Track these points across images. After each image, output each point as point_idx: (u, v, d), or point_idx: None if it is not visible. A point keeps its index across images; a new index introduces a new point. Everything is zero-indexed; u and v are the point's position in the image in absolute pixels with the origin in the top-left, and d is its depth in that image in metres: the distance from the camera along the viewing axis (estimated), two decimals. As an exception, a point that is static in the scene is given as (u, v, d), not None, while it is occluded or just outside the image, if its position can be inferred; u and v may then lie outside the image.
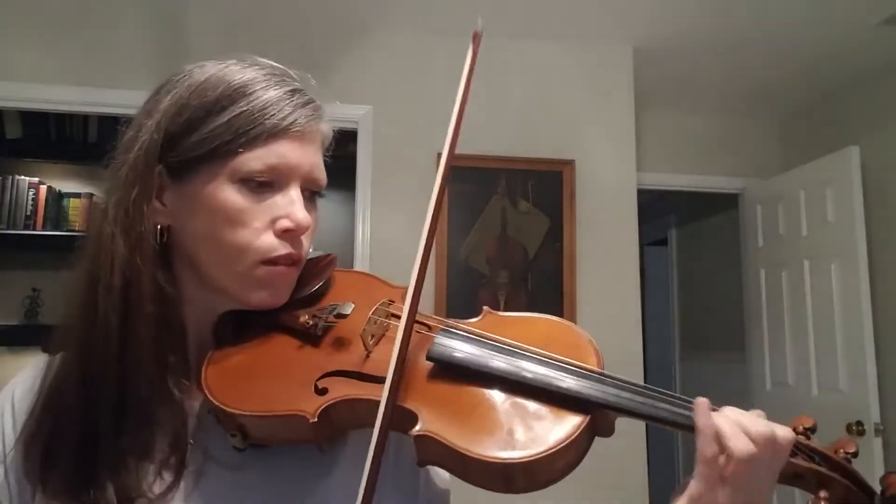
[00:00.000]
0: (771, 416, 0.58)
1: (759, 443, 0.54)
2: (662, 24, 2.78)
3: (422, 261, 0.61)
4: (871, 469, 2.71)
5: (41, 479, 0.60)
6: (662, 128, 3.65)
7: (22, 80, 2.58)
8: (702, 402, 0.56)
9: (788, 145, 3.73)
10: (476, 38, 0.68)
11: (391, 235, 2.69)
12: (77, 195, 3.54)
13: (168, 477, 0.60)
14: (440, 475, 0.73)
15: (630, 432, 2.68)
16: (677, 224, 4.83)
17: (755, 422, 0.55)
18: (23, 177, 3.47)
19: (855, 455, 0.58)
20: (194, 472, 0.62)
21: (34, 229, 3.45)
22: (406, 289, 0.63)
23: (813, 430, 0.59)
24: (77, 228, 3.48)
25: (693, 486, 0.55)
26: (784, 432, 0.56)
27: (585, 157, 2.88)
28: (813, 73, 3.20)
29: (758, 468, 0.54)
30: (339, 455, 0.67)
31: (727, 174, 3.73)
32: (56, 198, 3.52)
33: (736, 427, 0.54)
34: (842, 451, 0.58)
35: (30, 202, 3.46)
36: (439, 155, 3.18)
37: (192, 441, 0.63)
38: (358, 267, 2.64)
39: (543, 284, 2.76)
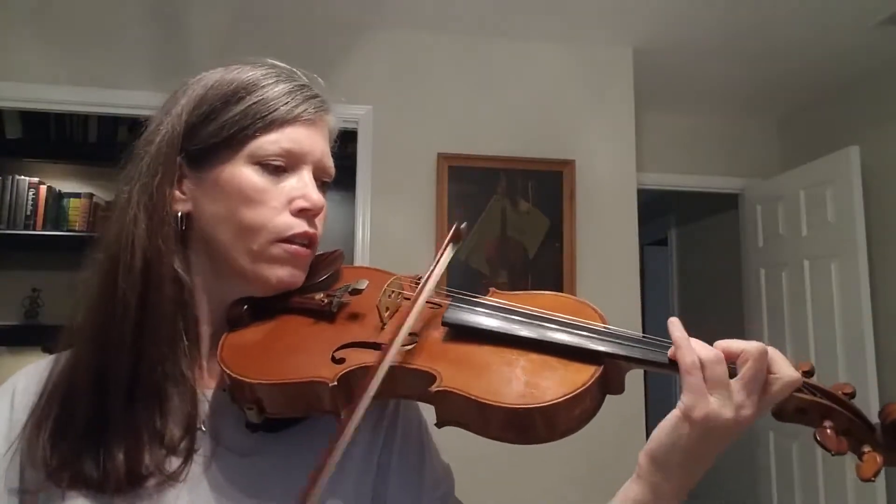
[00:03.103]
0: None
1: (739, 352, 0.58)
2: (662, 24, 2.78)
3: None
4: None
5: (46, 458, 0.60)
6: (662, 128, 3.65)
7: (22, 80, 2.58)
8: (674, 320, 0.61)
9: (788, 145, 3.73)
10: (457, 233, 0.72)
11: (391, 235, 2.69)
12: (77, 195, 3.54)
13: (177, 461, 0.62)
14: (443, 462, 0.75)
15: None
16: (677, 224, 4.84)
17: (741, 342, 0.59)
18: (23, 177, 3.47)
19: (853, 396, 0.61)
20: (205, 457, 0.64)
21: (34, 229, 3.45)
22: (414, 277, 0.68)
23: (811, 373, 0.62)
24: (77, 228, 3.49)
25: (684, 398, 0.58)
26: (757, 346, 0.59)
27: (585, 157, 2.88)
28: (813, 73, 3.20)
29: (750, 378, 0.57)
30: (351, 446, 0.67)
31: (727, 174, 3.73)
32: (56, 198, 3.52)
33: (707, 346, 0.59)
34: (840, 391, 0.61)
35: (30, 202, 3.46)
36: (439, 155, 3.16)
37: (203, 427, 0.65)
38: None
39: (543, 284, 2.76)
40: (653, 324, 4.86)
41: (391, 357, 0.57)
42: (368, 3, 2.64)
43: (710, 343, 0.61)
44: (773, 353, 0.60)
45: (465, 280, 2.70)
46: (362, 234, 2.72)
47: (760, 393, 0.58)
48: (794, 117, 3.68)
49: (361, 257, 2.69)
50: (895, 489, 2.76)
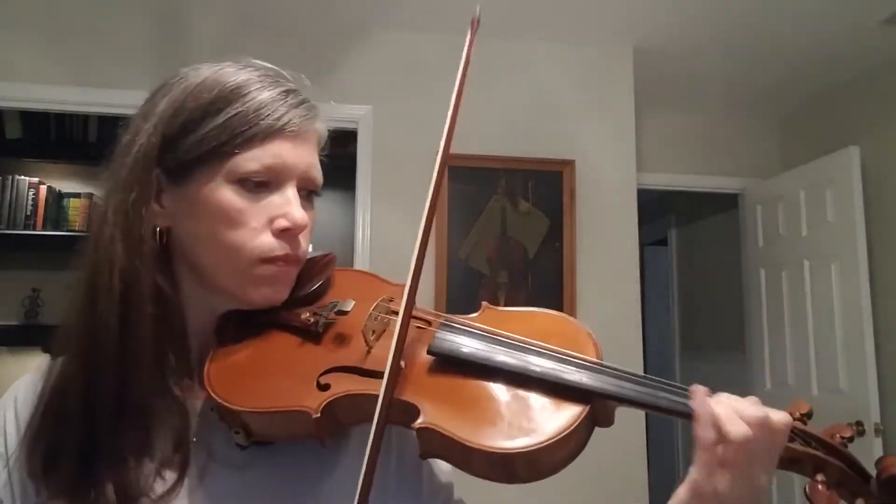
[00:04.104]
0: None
1: (754, 426, 0.54)
2: (662, 24, 2.78)
3: (418, 255, 0.62)
4: (871, 470, 2.71)
5: (44, 480, 0.60)
6: (662, 128, 3.65)
7: (22, 80, 2.58)
8: (699, 389, 0.57)
9: (788, 145, 3.73)
10: (474, 25, 0.68)
11: (391, 235, 2.69)
12: (77, 195, 3.55)
13: (171, 476, 0.61)
14: (442, 469, 0.74)
15: (630, 430, 2.69)
16: (677, 224, 4.83)
17: (750, 406, 0.56)
18: (23, 177, 3.48)
19: (850, 440, 0.58)
20: (198, 470, 0.63)
21: (34, 229, 3.45)
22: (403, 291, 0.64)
23: (809, 415, 0.60)
24: (77, 228, 3.49)
25: (694, 473, 0.56)
26: (780, 416, 0.56)
27: (585, 157, 2.88)
28: (813, 73, 3.20)
29: (755, 451, 0.54)
30: (343, 451, 0.67)
31: (727, 174, 3.73)
32: (56, 198, 3.52)
33: (731, 411, 0.55)
34: (838, 435, 0.58)
35: (30, 202, 3.46)
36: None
37: (195, 440, 0.64)
38: (358, 267, 2.64)
39: (543, 284, 2.76)
40: (653, 324, 4.87)
41: (386, 399, 0.56)
42: (368, 4, 2.64)
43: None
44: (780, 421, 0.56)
45: (465, 280, 2.70)
46: (362, 233, 2.72)
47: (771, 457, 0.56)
48: (794, 117, 3.68)
49: (361, 257, 2.69)
50: (895, 489, 2.76)
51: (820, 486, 0.56)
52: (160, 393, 0.62)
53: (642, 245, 4.29)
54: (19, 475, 0.63)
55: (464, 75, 0.65)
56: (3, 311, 3.51)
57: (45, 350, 0.68)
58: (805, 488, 0.57)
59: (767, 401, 0.61)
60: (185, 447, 0.62)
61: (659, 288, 5.01)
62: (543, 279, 2.77)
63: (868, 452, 2.73)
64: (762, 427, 0.54)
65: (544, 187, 2.82)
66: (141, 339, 0.61)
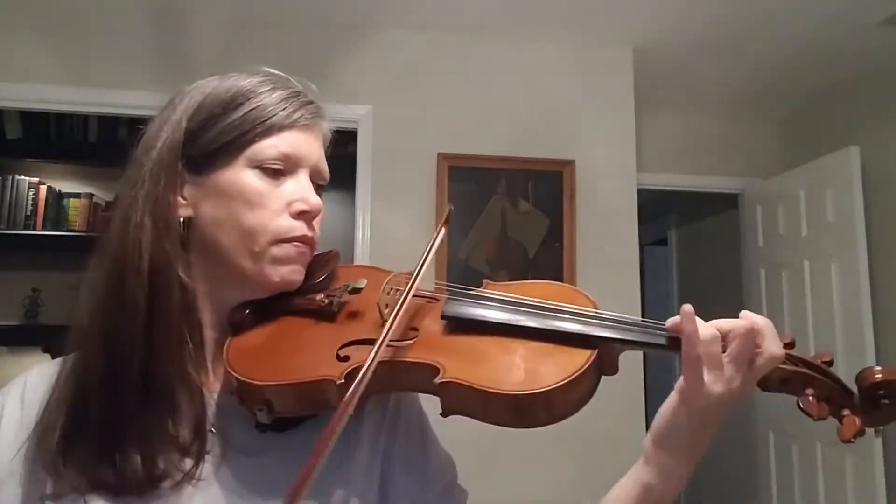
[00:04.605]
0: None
1: (733, 333, 0.61)
2: (662, 24, 2.79)
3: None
4: (871, 470, 2.71)
5: (59, 464, 0.61)
6: (662, 128, 3.65)
7: (22, 80, 2.58)
8: (688, 309, 0.61)
9: (788, 145, 3.73)
10: (447, 219, 0.77)
11: (391, 235, 2.69)
12: (77, 195, 3.55)
13: (189, 463, 0.62)
14: (446, 452, 0.77)
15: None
16: (677, 224, 4.83)
17: (727, 320, 0.62)
18: (23, 177, 3.48)
19: (830, 364, 0.65)
20: (216, 458, 0.65)
21: (34, 229, 3.45)
22: (410, 273, 0.69)
23: (792, 344, 0.65)
24: (77, 228, 3.49)
25: (680, 381, 0.62)
26: (743, 323, 0.62)
27: (585, 157, 2.88)
28: (813, 73, 3.20)
29: (737, 354, 0.60)
30: (359, 436, 0.70)
31: (727, 174, 3.73)
32: (56, 198, 3.53)
33: (707, 323, 0.62)
34: (819, 360, 0.65)
35: (30, 202, 3.47)
36: (439, 155, 3.16)
37: (213, 430, 0.66)
38: (358, 267, 2.64)
39: (543, 284, 2.76)
40: (653, 324, 4.85)
41: (386, 340, 0.59)
42: (368, 4, 2.64)
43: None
44: (765, 326, 0.62)
45: (464, 280, 2.69)
46: (362, 233, 2.72)
47: (748, 366, 0.61)
48: (794, 117, 3.68)
49: (361, 257, 2.69)
50: (895, 489, 2.75)
51: (811, 398, 0.63)
52: (181, 379, 0.64)
53: (642, 245, 4.29)
54: (26, 465, 0.63)
55: (426, 257, 0.71)
56: (3, 311, 3.52)
57: (46, 350, 0.68)
58: (798, 402, 0.64)
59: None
60: (203, 435, 0.64)
61: (659, 288, 5.01)
62: (543, 279, 2.76)
63: (868, 452, 2.73)
64: (740, 330, 0.61)
65: (544, 187, 2.82)
66: (168, 321, 0.64)
